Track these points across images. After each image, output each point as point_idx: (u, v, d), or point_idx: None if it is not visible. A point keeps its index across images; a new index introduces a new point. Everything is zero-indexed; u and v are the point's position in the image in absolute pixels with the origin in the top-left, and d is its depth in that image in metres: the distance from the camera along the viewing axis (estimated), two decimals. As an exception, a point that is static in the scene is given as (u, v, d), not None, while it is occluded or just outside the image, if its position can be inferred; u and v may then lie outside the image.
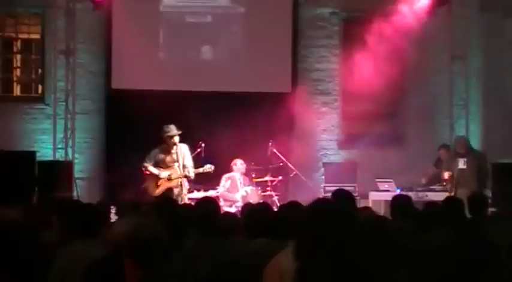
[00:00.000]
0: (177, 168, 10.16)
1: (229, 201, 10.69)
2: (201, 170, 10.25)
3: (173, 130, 10.18)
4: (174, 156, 10.19)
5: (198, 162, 10.52)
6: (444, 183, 10.66)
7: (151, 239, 3.21)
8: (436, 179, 11.04)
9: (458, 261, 2.84)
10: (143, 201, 7.06)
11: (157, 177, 10.25)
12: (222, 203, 10.11)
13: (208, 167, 10.24)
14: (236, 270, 3.97)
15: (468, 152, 10.77)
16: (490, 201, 10.31)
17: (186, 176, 10.17)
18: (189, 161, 10.28)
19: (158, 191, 10.12)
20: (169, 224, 3.79)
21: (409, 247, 4.21)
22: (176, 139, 10.17)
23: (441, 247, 3.00)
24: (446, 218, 5.40)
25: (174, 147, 10.17)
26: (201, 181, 10.80)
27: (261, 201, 9.43)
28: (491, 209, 8.16)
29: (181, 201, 9.86)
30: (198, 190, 10.72)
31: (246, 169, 11.07)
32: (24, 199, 9.75)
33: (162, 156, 10.31)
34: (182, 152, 10.22)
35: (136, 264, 3.15)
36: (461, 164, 10.50)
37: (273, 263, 3.81)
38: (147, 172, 10.29)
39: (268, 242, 4.49)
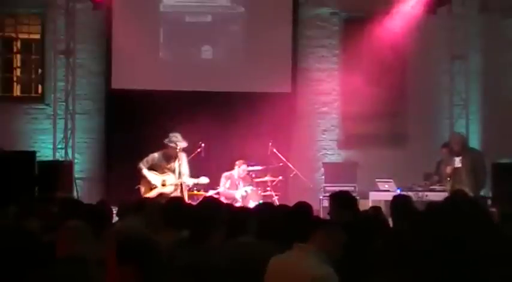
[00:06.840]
0: (172, 175, 10.25)
1: (230, 199, 10.69)
2: (196, 180, 10.33)
3: (181, 141, 10.22)
4: (173, 164, 10.27)
5: (197, 161, 10.54)
6: (448, 178, 10.46)
7: (149, 241, 3.11)
8: (438, 182, 10.97)
9: (458, 259, 2.83)
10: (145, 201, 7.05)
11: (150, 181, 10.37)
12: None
13: (203, 180, 10.29)
14: (232, 270, 3.96)
15: (463, 149, 10.46)
16: (489, 201, 10.35)
17: (183, 183, 10.25)
18: (185, 169, 10.35)
19: (150, 195, 10.19)
20: (174, 223, 3.77)
21: (410, 247, 4.20)
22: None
23: (440, 246, 2.99)
24: (446, 217, 5.38)
25: (176, 156, 10.23)
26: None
27: (268, 201, 9.44)
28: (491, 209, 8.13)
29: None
30: (198, 190, 10.72)
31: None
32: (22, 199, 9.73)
33: (162, 162, 10.37)
34: (181, 160, 10.28)
35: (138, 268, 3.00)
36: (457, 162, 10.31)
37: (301, 268, 3.74)
38: (140, 174, 10.38)
39: (265, 242, 4.48)
